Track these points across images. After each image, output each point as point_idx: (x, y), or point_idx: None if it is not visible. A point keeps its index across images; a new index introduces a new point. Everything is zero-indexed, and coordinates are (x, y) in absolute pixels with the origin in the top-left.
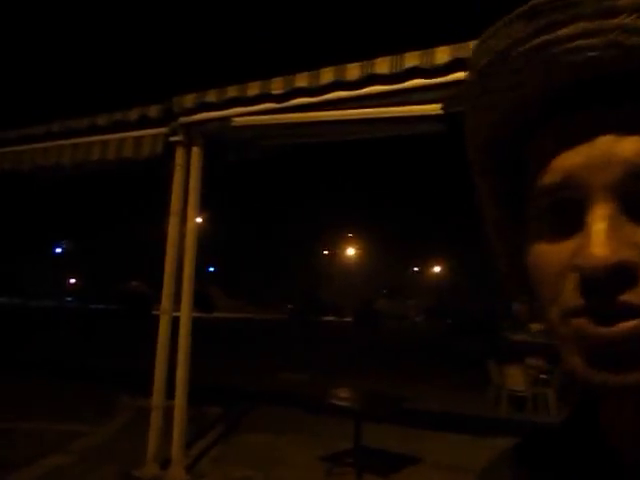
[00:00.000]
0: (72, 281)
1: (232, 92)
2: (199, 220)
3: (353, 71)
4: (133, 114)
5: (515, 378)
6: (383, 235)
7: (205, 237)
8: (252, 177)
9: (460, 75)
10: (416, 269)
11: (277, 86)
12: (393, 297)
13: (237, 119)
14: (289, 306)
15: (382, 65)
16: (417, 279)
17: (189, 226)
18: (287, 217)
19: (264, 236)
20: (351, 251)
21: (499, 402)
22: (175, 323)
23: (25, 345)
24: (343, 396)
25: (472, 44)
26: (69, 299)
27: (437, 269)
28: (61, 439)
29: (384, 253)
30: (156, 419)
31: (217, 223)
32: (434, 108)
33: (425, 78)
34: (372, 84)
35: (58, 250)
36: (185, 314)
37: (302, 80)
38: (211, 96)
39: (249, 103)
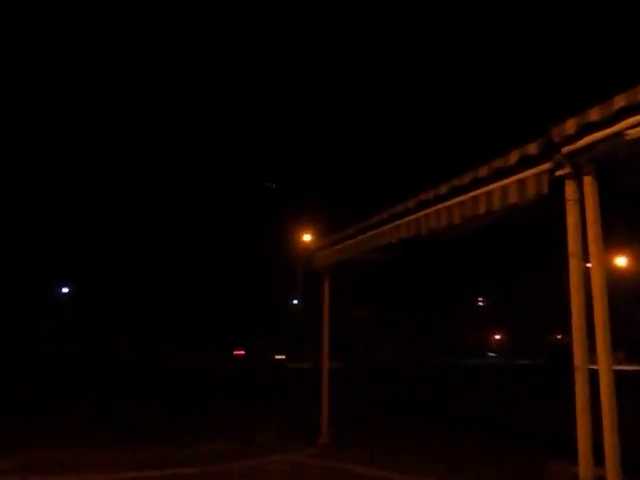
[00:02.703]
0: (497, 337)
1: (619, 102)
2: (621, 261)
3: None
4: (512, 157)
5: None
6: None
7: (633, 279)
8: None
9: None
10: None
11: None
12: None
13: (631, 131)
14: None
15: None
16: None
17: (593, 266)
18: None
19: None
20: None
21: None
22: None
23: (452, 402)
24: None
25: None
26: (492, 354)
27: None
28: None
29: None
30: None
31: None
32: None
33: None
34: None
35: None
36: (604, 369)
37: None
38: (594, 114)
39: None
